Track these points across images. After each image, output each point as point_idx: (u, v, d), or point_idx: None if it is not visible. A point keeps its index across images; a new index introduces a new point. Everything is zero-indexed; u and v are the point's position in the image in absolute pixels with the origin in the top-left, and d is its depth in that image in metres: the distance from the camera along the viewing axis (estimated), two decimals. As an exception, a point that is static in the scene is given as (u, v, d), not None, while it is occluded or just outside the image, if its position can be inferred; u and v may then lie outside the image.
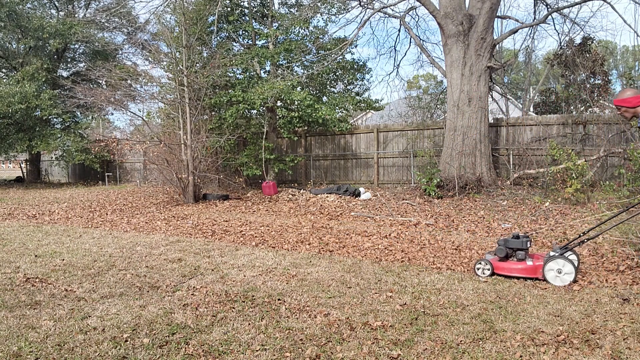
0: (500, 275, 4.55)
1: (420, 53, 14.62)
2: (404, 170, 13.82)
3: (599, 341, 3.03)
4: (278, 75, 12.96)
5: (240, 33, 14.56)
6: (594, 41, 13.10)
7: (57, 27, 17.46)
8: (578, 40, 13.17)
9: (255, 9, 14.68)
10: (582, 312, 3.54)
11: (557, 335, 3.12)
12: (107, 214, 9.69)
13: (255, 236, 6.88)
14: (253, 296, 4.01)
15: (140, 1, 34.88)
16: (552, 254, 4.43)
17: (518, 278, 4.45)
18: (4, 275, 4.81)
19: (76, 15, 20.02)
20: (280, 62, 13.80)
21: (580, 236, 4.62)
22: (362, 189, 11.91)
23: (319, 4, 13.25)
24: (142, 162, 19.14)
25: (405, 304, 3.77)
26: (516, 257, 4.54)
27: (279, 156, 14.21)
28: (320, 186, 14.01)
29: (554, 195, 9.02)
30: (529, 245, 4.54)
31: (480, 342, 3.04)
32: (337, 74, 14.76)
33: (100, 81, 16.73)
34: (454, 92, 11.09)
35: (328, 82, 15.03)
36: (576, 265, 4.45)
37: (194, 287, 4.30)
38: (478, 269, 4.65)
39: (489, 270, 4.57)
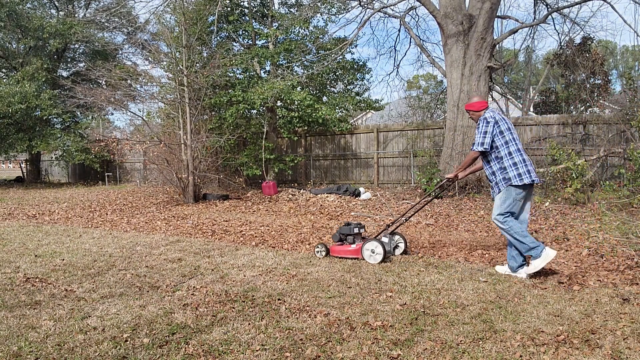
0: (334, 256, 5.38)
1: (420, 53, 14.62)
2: (404, 170, 13.82)
3: (599, 341, 3.03)
4: (278, 75, 12.96)
5: (240, 33, 14.56)
6: (594, 41, 13.10)
7: (57, 27, 17.46)
8: (578, 40, 13.19)
9: (255, 9, 14.68)
10: (582, 312, 3.54)
11: (557, 335, 3.12)
12: (107, 214, 9.69)
13: (255, 236, 6.88)
14: (253, 296, 4.01)
15: (140, 1, 34.93)
16: (384, 238, 5.32)
17: (347, 258, 5.27)
18: (4, 275, 4.81)
19: (76, 15, 20.03)
20: (280, 62, 13.80)
21: (394, 223, 5.62)
22: (362, 189, 11.91)
23: (319, 4, 13.25)
24: (142, 162, 19.14)
25: (405, 304, 3.77)
26: (347, 241, 5.40)
27: (279, 156, 14.21)
28: (320, 186, 14.02)
29: (554, 195, 9.02)
30: (356, 232, 5.38)
31: (480, 342, 3.04)
32: (337, 74, 14.76)
33: (100, 81, 16.73)
34: (454, 92, 11.09)
35: (328, 82, 15.04)
36: (401, 245, 5.48)
37: (194, 287, 4.30)
38: (317, 251, 5.49)
39: (324, 252, 5.44)
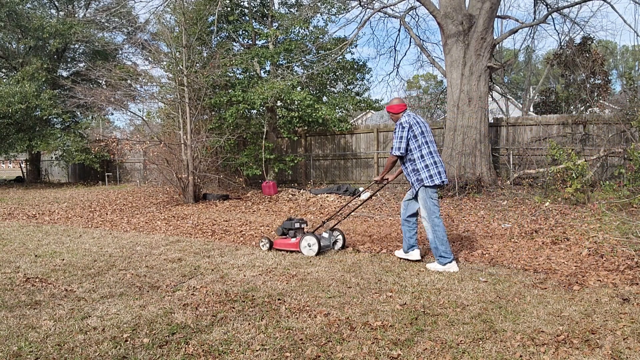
0: (277, 249, 5.79)
1: (420, 53, 14.62)
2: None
3: (599, 341, 3.03)
4: (278, 75, 12.96)
5: (240, 33, 14.56)
6: (594, 41, 13.10)
7: (57, 27, 17.45)
8: (578, 40, 13.19)
9: (255, 9, 14.68)
10: (582, 312, 3.54)
11: (557, 335, 3.12)
12: (107, 214, 9.69)
13: (256, 236, 6.88)
14: (253, 296, 4.01)
15: (140, 1, 34.92)
16: (324, 234, 5.81)
17: (289, 251, 5.67)
18: (4, 275, 4.81)
19: (76, 15, 20.03)
20: (280, 62, 13.80)
21: (329, 219, 6.17)
22: (362, 189, 11.91)
23: (319, 4, 13.25)
24: (142, 162, 19.14)
25: (405, 304, 3.77)
26: (289, 235, 5.82)
27: (279, 156, 14.21)
28: (320, 186, 14.02)
29: (554, 195, 9.02)
30: (297, 227, 5.83)
31: (480, 342, 3.04)
32: (337, 74, 14.76)
33: (100, 81, 16.72)
34: (454, 92, 11.09)
35: (328, 82, 15.04)
36: (340, 240, 5.87)
37: (194, 287, 4.30)
38: (261, 245, 5.93)
39: (268, 245, 5.86)
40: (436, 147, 5.08)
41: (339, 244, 5.88)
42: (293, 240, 5.72)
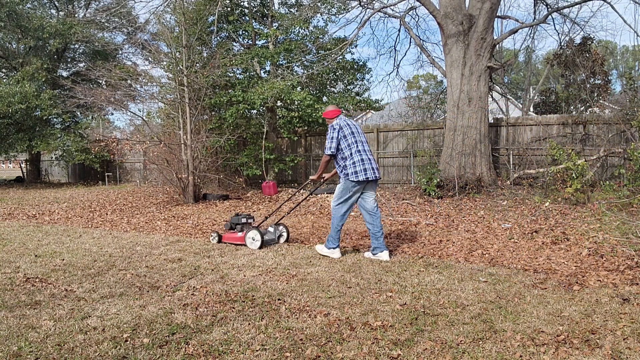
0: (225, 242, 6.24)
1: (420, 53, 14.62)
2: (404, 170, 13.83)
3: (599, 341, 3.03)
4: (278, 75, 12.96)
5: (240, 33, 14.56)
6: (594, 41, 13.10)
7: (57, 27, 17.45)
8: (578, 40, 13.19)
9: (255, 9, 14.68)
10: (582, 312, 3.54)
11: (557, 335, 3.12)
12: (107, 214, 9.69)
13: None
14: (253, 296, 4.01)
15: (140, 1, 34.92)
16: (270, 228, 6.29)
17: (236, 244, 6.12)
18: (4, 275, 4.81)
19: (76, 15, 20.03)
20: (280, 62, 13.79)
21: (270, 215, 6.75)
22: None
23: (319, 4, 13.25)
24: (142, 162, 19.14)
25: (405, 304, 3.77)
26: (236, 230, 6.23)
27: (279, 156, 14.21)
28: (320, 186, 14.01)
29: (554, 195, 9.02)
30: (244, 222, 6.24)
31: (480, 342, 3.04)
32: (337, 74, 14.75)
33: (100, 81, 16.72)
34: (454, 92, 11.09)
35: (328, 82, 15.03)
36: (284, 234, 6.31)
37: (194, 287, 4.30)
38: (211, 238, 6.39)
39: (217, 239, 6.30)
40: (368, 147, 5.50)
41: (284, 238, 6.31)
42: (239, 234, 6.15)
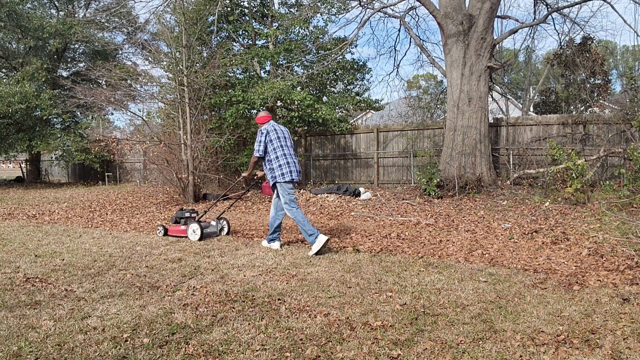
0: (171, 235, 6.79)
1: (420, 53, 14.62)
2: (404, 170, 13.83)
3: (599, 341, 3.03)
4: (278, 75, 12.96)
5: (240, 33, 14.56)
6: (594, 41, 13.10)
7: (57, 27, 17.45)
8: (578, 40, 13.19)
9: (255, 9, 14.68)
10: (582, 312, 3.54)
11: (557, 335, 3.12)
12: (107, 214, 9.69)
13: (256, 236, 6.88)
14: (253, 296, 4.01)
15: (140, 1, 34.91)
16: (212, 222, 6.88)
17: (179, 237, 6.67)
18: (4, 275, 4.81)
19: (76, 15, 20.02)
20: (280, 62, 13.80)
21: (208, 209, 7.48)
22: (362, 189, 11.91)
23: (319, 4, 13.25)
24: (142, 162, 19.14)
25: (405, 304, 3.77)
26: (180, 223, 6.78)
27: (279, 156, 14.19)
28: (320, 186, 14.02)
29: (554, 195, 9.02)
30: (187, 216, 6.78)
31: (480, 342, 3.04)
32: (337, 74, 14.76)
33: (100, 81, 16.72)
34: (454, 92, 11.09)
35: (328, 82, 15.04)
36: (225, 228, 6.93)
37: (194, 287, 4.30)
38: (158, 231, 6.96)
39: (163, 231, 6.86)
40: (292, 151, 6.02)
41: (225, 231, 6.94)
42: (182, 227, 6.72)
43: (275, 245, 5.98)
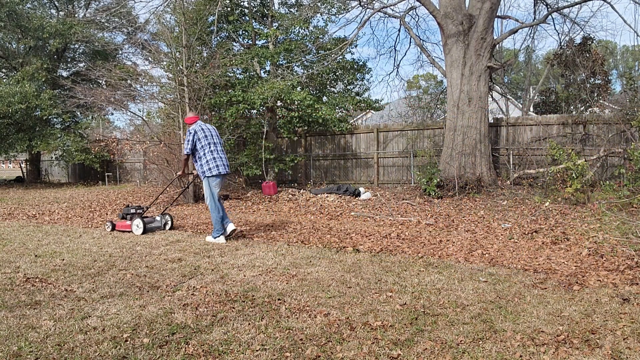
0: (118, 230, 7.33)
1: (420, 53, 14.62)
2: (404, 170, 13.83)
3: (599, 341, 3.03)
4: (278, 75, 12.96)
5: (240, 33, 14.55)
6: (594, 41, 13.10)
7: (57, 27, 17.45)
8: (578, 40, 13.19)
9: (255, 9, 14.68)
10: (582, 312, 3.54)
11: (557, 335, 3.12)
12: (107, 214, 9.69)
13: (256, 237, 6.88)
14: (253, 296, 4.01)
15: (140, 1, 34.90)
16: (157, 217, 7.50)
17: (125, 231, 7.21)
18: (4, 275, 4.81)
19: (76, 15, 20.02)
20: (280, 62, 13.79)
21: (149, 207, 8.32)
22: (362, 189, 11.91)
23: (319, 4, 13.25)
24: (142, 162, 19.14)
25: (405, 303, 3.77)
26: (127, 219, 7.29)
27: (279, 156, 14.21)
28: (320, 186, 14.02)
29: (554, 195, 9.02)
30: (133, 212, 7.32)
31: (480, 342, 3.04)
32: (337, 74, 14.75)
33: (100, 81, 16.72)
34: (454, 92, 11.09)
35: (328, 82, 15.03)
36: (169, 222, 7.52)
37: (194, 287, 4.30)
38: (106, 227, 7.52)
39: (110, 227, 7.42)
40: (221, 148, 6.57)
41: (169, 225, 7.51)
42: (128, 222, 7.23)
43: (221, 240, 6.39)
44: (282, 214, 9.39)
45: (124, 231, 7.24)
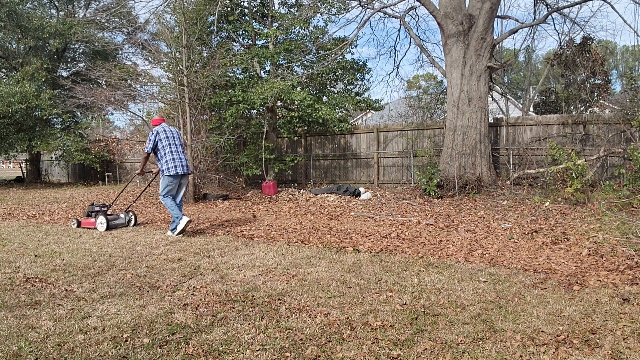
0: (83, 227, 7.74)
1: (420, 53, 14.63)
2: (404, 170, 13.83)
3: (599, 341, 3.03)
4: (278, 75, 12.96)
5: (240, 33, 14.56)
6: (594, 41, 13.10)
7: (57, 27, 17.44)
8: (578, 40, 13.19)
9: (255, 9, 14.68)
10: (582, 312, 3.54)
11: (557, 335, 3.12)
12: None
13: (256, 236, 6.88)
14: (253, 296, 4.01)
15: (140, 1, 34.89)
16: (121, 215, 7.93)
17: (90, 228, 7.62)
18: (4, 275, 4.81)
19: (76, 15, 20.01)
20: (280, 62, 13.79)
21: (113, 203, 8.66)
22: (362, 189, 11.91)
23: (319, 4, 13.25)
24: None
25: (405, 303, 3.77)
26: (92, 217, 7.79)
27: (279, 156, 14.21)
28: (320, 186, 14.02)
29: (554, 195, 9.02)
30: (97, 210, 7.81)
31: (480, 342, 3.04)
32: (337, 74, 14.75)
33: (100, 81, 16.72)
34: (454, 92, 11.09)
35: (328, 82, 15.03)
36: (132, 219, 7.93)
37: (194, 287, 4.30)
38: (72, 224, 7.93)
39: (76, 224, 7.84)
40: (181, 149, 7.05)
41: (132, 222, 7.93)
42: (92, 220, 7.65)
43: (181, 226, 6.76)
44: (282, 214, 9.39)
45: (89, 228, 7.66)
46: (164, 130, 6.99)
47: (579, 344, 3.00)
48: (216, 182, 13.79)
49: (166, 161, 6.85)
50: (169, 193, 6.90)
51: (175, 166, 6.85)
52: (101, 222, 7.51)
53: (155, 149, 6.94)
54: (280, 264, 5.15)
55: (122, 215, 7.88)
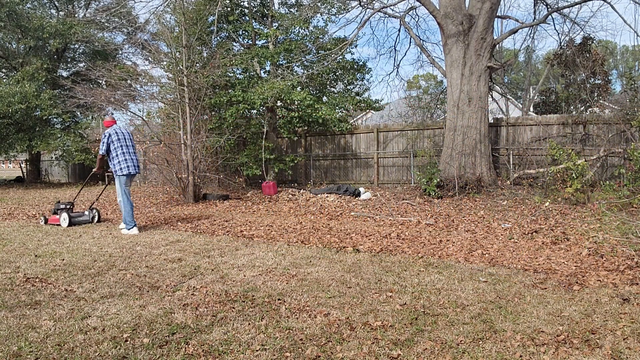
0: (50, 223, 8.20)
1: (420, 53, 14.63)
2: (404, 170, 13.83)
3: (599, 341, 3.03)
4: (278, 75, 12.96)
5: (240, 33, 14.56)
6: (594, 41, 13.11)
7: (57, 27, 17.45)
8: (578, 40, 13.20)
9: (255, 9, 14.68)
10: (582, 312, 3.54)
11: (557, 335, 3.12)
12: (107, 214, 9.68)
13: (256, 237, 6.88)
14: (253, 296, 4.01)
15: (140, 1, 34.88)
16: (86, 212, 8.40)
17: (56, 225, 8.10)
18: (4, 275, 4.81)
19: (76, 15, 20.02)
20: (280, 62, 13.79)
21: (74, 200, 8.88)
22: (362, 189, 11.91)
23: (319, 4, 13.25)
24: (142, 162, 19.12)
25: (405, 304, 3.77)
26: (57, 214, 8.16)
27: (279, 156, 14.21)
28: (320, 186, 14.02)
29: (554, 195, 9.02)
30: (62, 207, 8.20)
31: (480, 342, 3.04)
32: (337, 74, 14.76)
33: (100, 81, 16.71)
34: (454, 92, 11.09)
35: (328, 82, 15.03)
36: (95, 216, 8.43)
37: (194, 287, 4.30)
38: (40, 220, 8.40)
39: (44, 220, 8.32)
40: (133, 150, 7.42)
41: (96, 219, 8.40)
42: (57, 216, 8.13)
43: (134, 231, 7.13)
44: (282, 214, 9.39)
45: (55, 224, 8.09)
46: (116, 132, 7.34)
47: (579, 344, 3.00)
48: (216, 182, 13.79)
49: (119, 162, 7.24)
50: (124, 192, 7.26)
51: (128, 166, 7.26)
52: (64, 218, 7.99)
53: (107, 150, 7.31)
54: (280, 264, 5.15)
55: (86, 213, 8.34)
